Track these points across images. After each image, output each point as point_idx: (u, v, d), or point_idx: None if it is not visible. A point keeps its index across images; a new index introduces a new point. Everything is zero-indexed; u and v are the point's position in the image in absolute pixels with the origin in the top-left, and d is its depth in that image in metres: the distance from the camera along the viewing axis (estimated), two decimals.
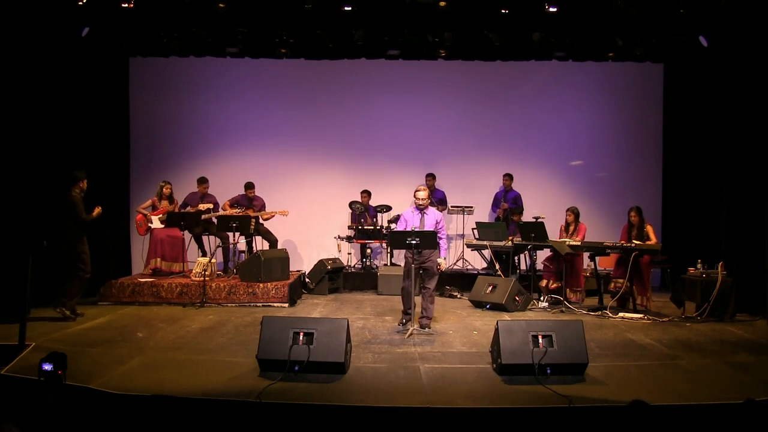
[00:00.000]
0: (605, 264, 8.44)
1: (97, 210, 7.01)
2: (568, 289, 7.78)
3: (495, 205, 9.95)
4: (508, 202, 9.66)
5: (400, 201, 9.88)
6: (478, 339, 5.97)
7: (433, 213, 6.48)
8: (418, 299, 6.47)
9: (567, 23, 8.25)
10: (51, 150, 7.76)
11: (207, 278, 7.76)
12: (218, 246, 8.82)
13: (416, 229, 6.27)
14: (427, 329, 6.27)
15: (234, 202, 9.04)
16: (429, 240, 6.11)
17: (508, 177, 9.73)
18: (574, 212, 8.08)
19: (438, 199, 9.69)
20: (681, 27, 8.20)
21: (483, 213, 10.11)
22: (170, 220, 8.19)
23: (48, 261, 6.96)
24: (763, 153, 7.22)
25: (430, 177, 9.73)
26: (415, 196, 6.45)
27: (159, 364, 5.01)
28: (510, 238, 8.29)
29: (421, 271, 6.34)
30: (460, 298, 8.43)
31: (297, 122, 10.14)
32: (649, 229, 7.41)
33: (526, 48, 9.06)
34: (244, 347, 5.49)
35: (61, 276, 6.87)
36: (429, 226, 6.34)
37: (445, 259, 6.51)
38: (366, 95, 10.17)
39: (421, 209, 6.43)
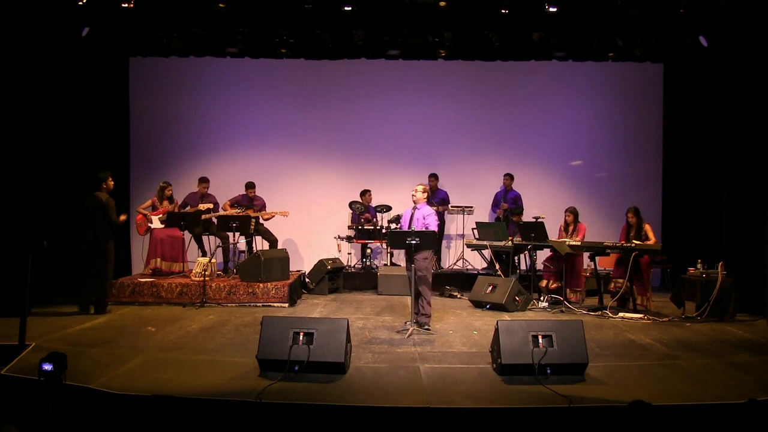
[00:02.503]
0: (605, 264, 8.44)
1: (123, 217, 7.24)
2: (568, 289, 7.78)
3: (495, 205, 9.95)
4: (508, 202, 9.67)
5: (400, 201, 9.88)
6: (478, 339, 5.97)
7: (422, 209, 6.52)
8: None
9: (567, 23, 8.25)
10: (51, 150, 7.76)
11: (207, 278, 7.76)
12: (218, 246, 8.81)
13: (404, 226, 6.33)
14: (425, 328, 6.27)
15: (234, 202, 9.03)
16: (428, 240, 6.14)
17: (509, 177, 9.73)
18: (573, 212, 8.09)
19: (440, 199, 9.71)
20: (681, 27, 8.21)
21: (483, 213, 10.11)
22: (170, 220, 8.19)
23: (49, 260, 6.98)
24: (763, 153, 7.22)
25: (433, 177, 9.73)
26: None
27: (159, 364, 5.01)
28: (510, 238, 8.28)
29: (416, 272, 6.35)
30: (460, 298, 8.43)
31: (297, 122, 10.14)
32: (648, 228, 7.41)
33: (526, 48, 9.07)
34: (244, 347, 5.49)
35: (80, 273, 7.05)
36: (417, 221, 6.43)
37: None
38: (366, 95, 10.16)
39: (414, 206, 6.55)
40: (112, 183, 7.17)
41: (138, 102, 9.83)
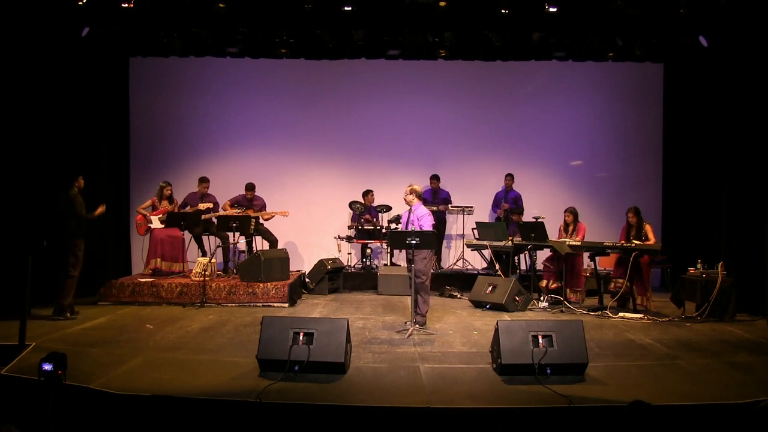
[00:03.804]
0: (605, 264, 8.44)
1: (101, 208, 7.01)
2: (568, 289, 7.78)
3: (495, 205, 9.96)
4: (508, 203, 9.67)
5: (401, 201, 9.86)
6: (478, 339, 5.97)
7: (416, 210, 6.57)
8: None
9: (567, 23, 8.25)
10: (51, 150, 7.76)
11: (207, 278, 7.76)
12: (218, 246, 8.81)
13: (401, 227, 6.35)
14: (422, 327, 6.27)
15: (234, 202, 9.03)
16: (428, 240, 6.16)
17: (510, 177, 9.73)
18: (573, 213, 8.10)
19: (442, 199, 9.75)
20: (681, 27, 8.20)
21: (483, 213, 10.11)
22: (170, 220, 8.19)
23: (48, 260, 6.97)
24: (763, 153, 7.22)
25: (434, 179, 9.77)
26: None
27: (159, 364, 5.01)
28: (510, 238, 8.28)
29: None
30: (460, 298, 8.43)
31: (297, 122, 10.14)
32: (648, 228, 7.41)
33: (526, 48, 9.06)
34: (244, 347, 5.49)
35: (57, 276, 6.89)
36: (413, 223, 6.50)
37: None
38: (366, 95, 10.17)
39: (409, 208, 6.61)
40: (83, 182, 6.99)
41: (138, 102, 9.83)
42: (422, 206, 6.64)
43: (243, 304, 7.70)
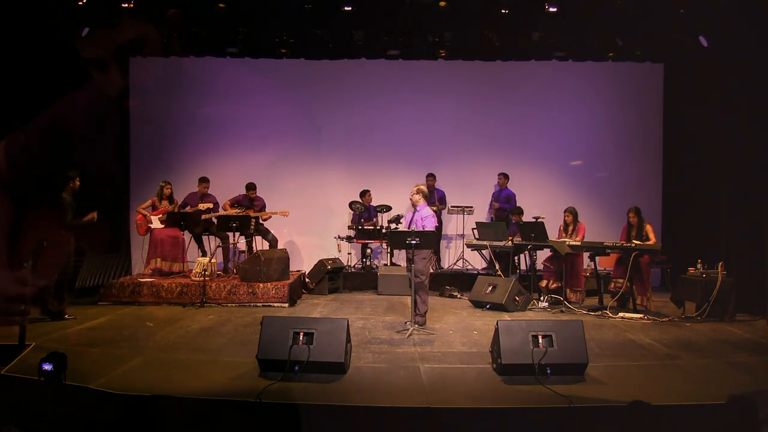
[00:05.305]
0: (605, 264, 8.44)
1: (91, 215, 6.86)
2: (568, 289, 7.78)
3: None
4: (500, 202, 9.65)
5: (400, 201, 9.89)
6: (478, 339, 5.97)
7: (421, 210, 6.60)
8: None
9: (567, 23, 8.25)
10: (50, 150, 7.75)
11: (207, 278, 7.76)
12: (218, 246, 8.82)
13: (404, 227, 6.37)
14: (422, 327, 6.28)
15: (234, 202, 9.03)
16: (428, 240, 6.18)
17: (503, 176, 9.71)
18: (573, 212, 8.10)
19: (438, 198, 9.74)
20: (681, 27, 8.21)
21: (483, 213, 10.11)
22: (170, 220, 8.19)
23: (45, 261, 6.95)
24: (763, 153, 7.22)
25: (431, 177, 9.76)
26: None
27: (159, 364, 5.01)
28: (510, 238, 8.29)
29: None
30: (460, 298, 8.43)
31: (297, 122, 10.14)
32: (649, 228, 7.42)
33: (526, 48, 9.07)
34: (244, 347, 5.49)
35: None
36: (416, 223, 6.53)
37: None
38: (366, 95, 10.16)
39: (414, 208, 6.65)
40: (78, 183, 6.83)
41: (138, 102, 9.81)
42: (427, 207, 6.66)
43: (243, 304, 7.70)
